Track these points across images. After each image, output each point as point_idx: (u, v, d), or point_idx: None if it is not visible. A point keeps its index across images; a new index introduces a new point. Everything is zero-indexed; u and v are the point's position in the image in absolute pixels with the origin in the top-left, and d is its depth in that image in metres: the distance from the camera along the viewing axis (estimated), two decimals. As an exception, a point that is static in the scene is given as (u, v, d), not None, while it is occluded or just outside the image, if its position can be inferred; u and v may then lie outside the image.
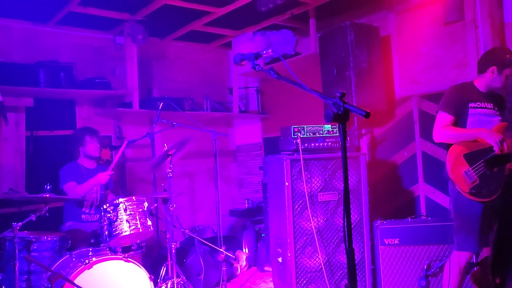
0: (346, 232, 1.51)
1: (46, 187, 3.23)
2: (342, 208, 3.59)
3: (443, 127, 3.06)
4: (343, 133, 1.45)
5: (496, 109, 3.09)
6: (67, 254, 3.26)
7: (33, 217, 3.13)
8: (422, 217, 3.92)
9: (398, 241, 3.55)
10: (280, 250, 3.66)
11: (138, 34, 4.53)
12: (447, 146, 3.08)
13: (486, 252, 3.23)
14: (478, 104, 3.05)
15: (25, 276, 3.15)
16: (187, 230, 3.95)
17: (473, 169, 2.93)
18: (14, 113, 4.20)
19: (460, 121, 3.08)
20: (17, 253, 3.02)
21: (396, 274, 3.55)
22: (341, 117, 1.45)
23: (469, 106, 3.04)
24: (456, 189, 2.97)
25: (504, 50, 3.12)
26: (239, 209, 5.43)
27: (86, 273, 2.99)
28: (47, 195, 3.17)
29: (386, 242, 3.56)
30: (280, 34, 5.21)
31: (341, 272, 3.57)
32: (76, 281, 2.93)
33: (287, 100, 5.44)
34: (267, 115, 5.69)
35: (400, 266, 3.54)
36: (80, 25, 4.71)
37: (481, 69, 3.10)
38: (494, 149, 2.89)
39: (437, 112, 3.16)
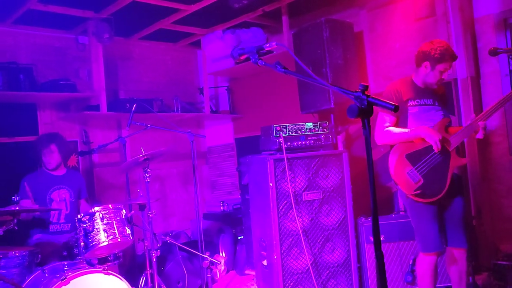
0: (374, 235, 1.43)
1: (14, 198, 2.97)
2: (327, 206, 3.55)
3: (384, 128, 2.97)
4: (368, 128, 1.37)
5: (436, 104, 2.98)
6: (39, 270, 3.03)
7: (0, 232, 2.86)
8: (401, 212, 3.94)
9: (384, 237, 3.53)
10: (265, 253, 3.56)
11: (104, 33, 4.29)
12: (390, 147, 3.01)
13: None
14: (417, 102, 2.96)
15: (-7, 296, 2.89)
16: (166, 237, 3.77)
17: (416, 169, 2.87)
18: (-30, 119, 3.87)
19: (401, 119, 2.98)
20: (-17, 271, 2.76)
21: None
22: (365, 112, 1.37)
23: (409, 104, 2.95)
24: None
25: (440, 44, 2.90)
26: (214, 212, 5.29)
27: (63, 289, 2.77)
28: (17, 208, 2.92)
29: (371, 239, 3.53)
30: (250, 32, 5.12)
31: (327, 271, 3.51)
32: (53, 299, 2.71)
33: (259, 99, 5.35)
34: (239, 115, 5.57)
35: (386, 262, 3.52)
36: (40, 24, 4.42)
37: (417, 64, 2.98)
38: (433, 148, 2.82)
39: (378, 113, 3.05)
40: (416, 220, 2.96)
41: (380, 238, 1.49)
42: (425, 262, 2.94)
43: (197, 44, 5.51)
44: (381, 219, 3.57)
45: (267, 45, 1.78)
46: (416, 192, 2.84)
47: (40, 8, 3.98)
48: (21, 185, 3.64)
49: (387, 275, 3.48)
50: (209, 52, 5.32)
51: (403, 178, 2.88)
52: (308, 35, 4.11)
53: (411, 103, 2.96)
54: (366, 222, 3.57)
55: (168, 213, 5.44)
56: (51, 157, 3.76)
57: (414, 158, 2.89)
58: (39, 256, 3.17)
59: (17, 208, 2.90)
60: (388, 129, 2.97)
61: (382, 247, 3.45)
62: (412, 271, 3.45)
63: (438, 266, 3.17)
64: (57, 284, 2.77)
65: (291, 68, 1.76)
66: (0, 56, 4.21)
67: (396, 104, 1.37)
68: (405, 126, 2.96)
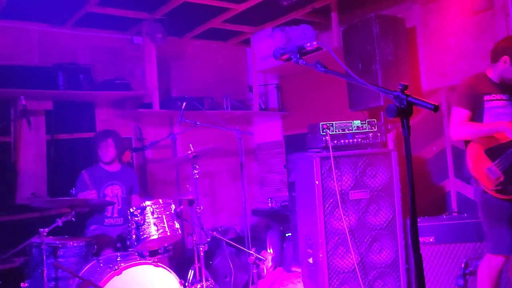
0: (412, 236, 1.40)
1: (72, 191, 3.16)
2: (374, 206, 3.48)
3: (460, 123, 2.90)
4: (407, 129, 1.34)
5: None
6: (94, 260, 3.20)
7: (59, 223, 3.06)
8: (454, 213, 3.79)
9: (434, 239, 3.42)
10: (311, 251, 3.56)
11: (157, 33, 4.44)
12: (465, 143, 2.94)
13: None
14: (493, 96, 2.89)
15: (53, 283, 3.09)
16: (215, 232, 3.85)
17: (496, 165, 2.77)
18: (34, 117, 4.11)
19: (476, 114, 2.92)
20: (44, 259, 2.96)
21: (432, 273, 3.42)
22: (404, 111, 1.34)
23: (484, 99, 2.89)
24: (481, 187, 2.82)
25: None
26: (262, 208, 5.33)
27: (115, 279, 2.92)
28: (75, 200, 3.10)
29: (421, 241, 3.43)
30: (299, 29, 5.10)
31: (374, 272, 3.45)
32: (106, 287, 2.86)
33: (308, 96, 5.32)
34: (288, 113, 5.58)
35: (437, 265, 3.41)
36: (97, 26, 4.64)
37: (494, 59, 2.93)
38: None
39: (451, 108, 3.00)
40: (490, 219, 2.86)
41: (418, 240, 1.45)
42: (491, 264, 2.84)
43: (247, 42, 5.57)
44: (431, 220, 3.47)
45: (308, 44, 1.78)
46: (497, 188, 2.75)
47: (98, 11, 4.17)
48: (79, 178, 3.86)
49: (437, 278, 3.38)
50: (259, 50, 5.36)
51: (482, 174, 2.80)
52: (358, 32, 4.04)
53: (487, 97, 2.89)
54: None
55: (217, 209, 5.55)
56: (107, 151, 3.95)
57: (493, 153, 2.80)
58: (95, 247, 3.36)
59: (75, 199, 3.08)
60: (465, 124, 2.90)
61: (432, 249, 3.37)
62: (464, 275, 3.32)
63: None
64: (110, 273, 2.92)
65: (332, 67, 1.74)
66: (61, 57, 4.45)
67: (436, 104, 1.33)
68: (480, 122, 2.90)
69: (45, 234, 2.99)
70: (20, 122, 3.98)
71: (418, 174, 4.34)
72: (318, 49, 1.86)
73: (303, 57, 1.86)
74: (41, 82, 4.09)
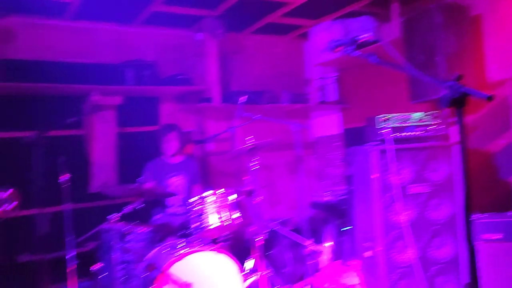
0: (466, 228, 1.38)
1: (138, 181, 3.37)
2: (435, 201, 3.39)
3: None
4: (460, 119, 1.33)
5: None
6: (158, 246, 3.39)
7: (128, 210, 3.28)
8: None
9: (503, 236, 3.27)
10: (368, 245, 3.53)
11: (217, 30, 4.58)
12: None
13: None
14: None
15: (122, 266, 3.32)
16: (273, 223, 3.93)
17: None
18: (105, 111, 4.41)
19: None
20: (114, 244, 3.18)
21: (498, 272, 3.28)
22: (458, 101, 1.33)
23: None
24: None
25: None
26: (320, 201, 5.33)
27: (178, 264, 3.08)
28: (141, 189, 3.31)
29: (486, 238, 3.30)
30: (359, 21, 5.02)
31: (435, 268, 3.37)
32: (169, 272, 3.03)
33: (368, 89, 5.24)
34: (347, 105, 5.53)
35: (503, 264, 3.26)
36: (162, 24, 4.85)
37: None
38: None
39: None
40: None
41: (471, 236, 1.41)
42: None
43: (305, 35, 5.58)
44: (499, 216, 3.31)
45: (362, 36, 1.79)
46: None
47: (163, 9, 4.37)
48: (144, 169, 4.09)
49: (504, 277, 3.23)
50: (317, 43, 5.35)
51: None
52: (419, 22, 3.92)
53: None
54: (480, 219, 3.34)
55: (275, 201, 5.63)
56: (170, 145, 4.15)
57: None
58: (160, 234, 3.56)
59: (141, 188, 3.29)
60: None
61: (499, 247, 3.23)
62: (534, 275, 3.15)
63: None
64: (173, 258, 3.08)
65: (392, 59, 1.74)
66: (129, 54, 4.71)
67: (491, 94, 1.30)
68: None
69: (115, 220, 3.22)
70: (92, 116, 4.28)
71: (484, 168, 4.15)
72: (374, 41, 1.86)
73: (361, 49, 1.87)
74: (111, 79, 4.38)
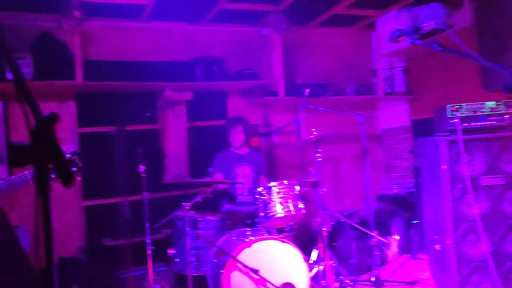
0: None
1: (209, 172, 3.55)
2: (511, 193, 3.24)
3: None
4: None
5: None
6: (228, 233, 3.56)
7: (199, 199, 3.48)
8: None
9: None
10: (438, 238, 3.46)
11: (282, 24, 4.66)
12: None
13: None
14: None
15: (194, 251, 3.53)
16: (338, 214, 3.97)
17: None
18: (177, 106, 4.67)
19: None
20: (187, 230, 3.39)
21: None
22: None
23: None
24: None
25: None
26: (388, 194, 5.26)
27: (246, 250, 3.22)
28: (211, 179, 3.49)
29: None
30: (427, 8, 4.86)
31: (510, 263, 3.23)
32: (238, 258, 3.18)
33: (438, 78, 5.07)
34: (415, 96, 5.38)
35: None
36: (229, 21, 5.01)
37: None
38: None
39: None
40: None
41: None
42: None
43: (371, 26, 5.50)
44: None
45: (425, 25, 1.78)
46: None
47: (229, 6, 4.53)
48: (214, 160, 4.29)
49: None
50: (384, 33, 5.26)
51: None
52: (492, 8, 3.76)
53: None
54: (560, 213, 3.15)
55: (341, 193, 5.64)
56: (237, 137, 4.31)
57: None
58: (228, 222, 3.74)
59: (210, 178, 3.46)
60: None
61: None
62: None
63: None
64: (241, 245, 3.23)
65: (472, 45, 1.72)
66: (198, 51, 4.93)
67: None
68: None
69: (187, 208, 3.43)
70: (166, 111, 4.55)
71: None
72: (439, 29, 1.85)
73: (425, 38, 1.86)
74: (182, 75, 4.62)
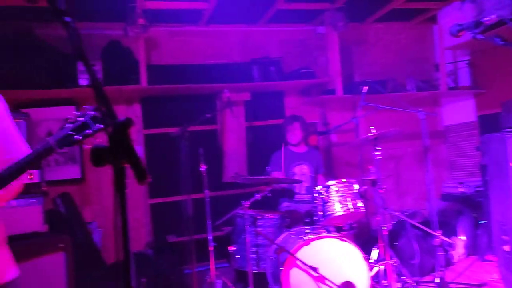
0: None
1: (268, 168, 3.62)
2: None
3: None
4: None
5: None
6: (287, 231, 3.60)
7: (258, 197, 3.55)
8: None
9: None
10: (507, 238, 3.30)
11: (339, 22, 4.64)
12: None
13: None
14: None
15: (254, 248, 3.61)
16: (398, 213, 3.90)
17: None
18: (235, 107, 4.77)
19: None
20: (247, 228, 3.48)
21: None
22: None
23: None
24: None
25: None
26: (452, 193, 5.07)
27: (305, 248, 3.25)
28: (269, 178, 3.55)
29: None
30: (494, -3, 4.63)
31: None
32: (297, 255, 3.22)
33: (506, 71, 4.79)
34: (482, 90, 5.13)
35: None
36: (285, 21, 5.06)
37: None
38: None
39: None
40: None
41: None
42: None
43: (432, 19, 5.32)
44: None
45: (487, 19, 1.72)
46: None
47: (285, 7, 4.57)
48: (271, 159, 4.36)
49: None
50: (446, 25, 5.07)
51: None
52: None
53: None
54: None
55: (402, 192, 5.50)
56: (294, 134, 4.34)
57: None
58: (287, 220, 3.78)
59: (269, 177, 3.52)
60: None
61: None
62: None
63: None
64: (300, 243, 3.26)
65: None
66: (255, 52, 5.02)
67: None
68: None
69: (246, 206, 3.52)
70: (224, 112, 4.68)
71: None
72: (502, 22, 1.78)
73: (487, 32, 1.80)
74: (240, 76, 4.73)
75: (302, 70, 4.91)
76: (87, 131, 1.38)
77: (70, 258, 2.93)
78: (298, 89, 5.20)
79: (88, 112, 1.37)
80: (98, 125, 1.34)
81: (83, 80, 4.04)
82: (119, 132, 0.90)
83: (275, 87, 5.04)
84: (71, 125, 1.38)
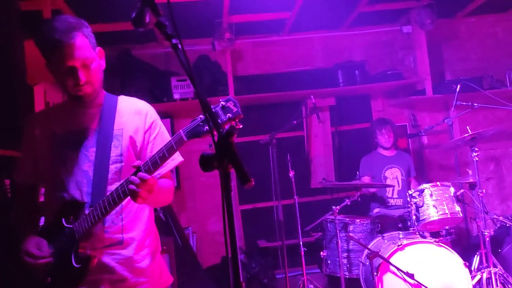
0: None
1: (357, 175, 3.59)
2: None
3: None
4: None
5: None
6: (379, 236, 3.53)
7: (348, 202, 3.53)
8: None
9: None
10: None
11: (426, 19, 4.46)
12: None
13: None
14: None
15: (345, 254, 3.58)
16: (501, 217, 3.64)
17: None
18: (321, 112, 4.77)
19: None
20: (338, 233, 3.47)
21: None
22: None
23: None
24: None
25: None
26: None
27: (399, 254, 3.17)
28: (358, 183, 3.52)
29: None
30: None
31: None
32: (391, 261, 3.14)
33: None
34: None
35: None
36: (368, 23, 4.98)
37: None
38: None
39: None
40: None
41: None
42: None
43: (533, 7, 4.91)
44: None
45: None
46: None
47: (368, 9, 4.50)
48: (361, 163, 4.30)
49: None
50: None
51: None
52: None
53: None
54: None
55: (506, 195, 5.11)
56: (385, 138, 4.25)
57: None
58: (379, 225, 3.70)
59: (359, 181, 3.49)
60: None
61: None
62: None
63: None
64: (394, 249, 3.19)
65: None
66: (339, 57, 5.00)
67: None
68: None
69: (337, 211, 3.51)
70: (310, 117, 4.71)
71: None
72: None
73: None
74: (324, 82, 4.74)
75: (389, 72, 4.79)
76: (218, 120, 1.37)
77: (172, 259, 3.15)
78: (385, 91, 5.07)
79: (221, 103, 1.38)
80: (228, 115, 1.35)
81: (177, 95, 4.31)
82: (225, 139, 0.98)
83: (360, 91, 4.97)
84: (202, 117, 1.42)
